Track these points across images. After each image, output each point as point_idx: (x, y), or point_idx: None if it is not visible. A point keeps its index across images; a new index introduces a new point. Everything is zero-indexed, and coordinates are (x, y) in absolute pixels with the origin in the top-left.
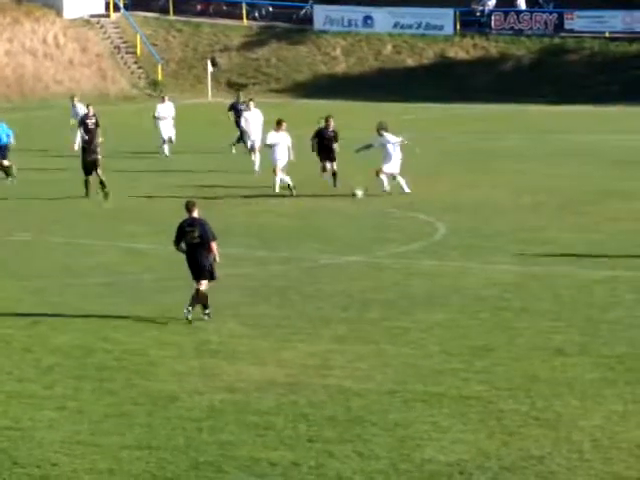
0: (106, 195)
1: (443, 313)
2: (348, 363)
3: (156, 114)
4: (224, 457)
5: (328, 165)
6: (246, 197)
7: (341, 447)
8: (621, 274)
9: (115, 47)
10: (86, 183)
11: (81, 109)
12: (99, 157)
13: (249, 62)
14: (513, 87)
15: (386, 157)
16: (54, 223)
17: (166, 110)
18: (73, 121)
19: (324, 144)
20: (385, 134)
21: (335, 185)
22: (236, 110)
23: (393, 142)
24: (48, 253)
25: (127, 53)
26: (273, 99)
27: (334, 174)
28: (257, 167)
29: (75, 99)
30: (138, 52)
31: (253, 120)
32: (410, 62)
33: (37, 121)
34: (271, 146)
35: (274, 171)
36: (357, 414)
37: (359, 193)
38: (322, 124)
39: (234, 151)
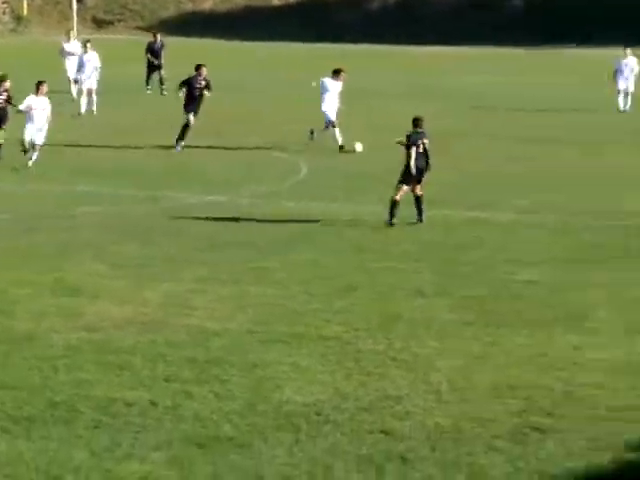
0: None
1: (306, 253)
2: (209, 303)
3: (61, 52)
4: (79, 397)
5: (192, 117)
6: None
7: (199, 387)
8: (482, 215)
9: None
10: None
11: None
12: None
13: None
14: (380, 27)
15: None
16: None
17: (72, 48)
18: None
19: (193, 94)
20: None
21: (178, 146)
22: (152, 51)
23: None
24: None
25: None
26: (139, 36)
27: (187, 127)
28: (83, 109)
29: None
30: None
31: (89, 63)
32: (276, 0)
33: None
34: (24, 112)
35: (23, 144)
36: (216, 354)
37: (358, 147)
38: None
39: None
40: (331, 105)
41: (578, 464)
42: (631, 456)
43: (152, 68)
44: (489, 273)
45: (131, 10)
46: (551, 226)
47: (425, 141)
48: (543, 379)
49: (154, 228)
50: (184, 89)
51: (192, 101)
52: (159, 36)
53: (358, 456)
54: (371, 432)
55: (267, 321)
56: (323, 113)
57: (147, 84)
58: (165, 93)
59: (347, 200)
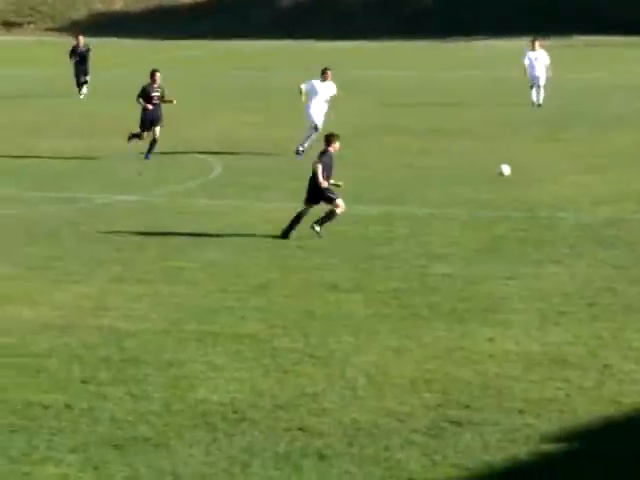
0: None
1: (219, 251)
2: (123, 303)
3: None
4: None
5: (146, 134)
6: None
7: (114, 388)
8: (395, 210)
9: None
10: None
11: None
12: None
13: (24, 0)
14: (293, 23)
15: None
16: None
17: None
18: None
19: (151, 103)
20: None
21: (147, 156)
22: (76, 54)
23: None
24: None
25: None
26: (50, 37)
27: (154, 141)
28: None
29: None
30: None
31: None
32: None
33: None
34: None
35: None
36: (131, 355)
37: (505, 170)
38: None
39: (82, 96)
40: (318, 108)
41: (495, 457)
42: (547, 448)
43: (79, 72)
44: (404, 267)
45: (41, 12)
46: (463, 219)
47: (318, 166)
48: (460, 372)
49: (65, 229)
50: (141, 100)
51: (149, 112)
52: (82, 38)
53: (275, 453)
54: (288, 429)
55: (182, 320)
56: (308, 115)
57: (79, 90)
58: (82, 97)
59: (260, 198)
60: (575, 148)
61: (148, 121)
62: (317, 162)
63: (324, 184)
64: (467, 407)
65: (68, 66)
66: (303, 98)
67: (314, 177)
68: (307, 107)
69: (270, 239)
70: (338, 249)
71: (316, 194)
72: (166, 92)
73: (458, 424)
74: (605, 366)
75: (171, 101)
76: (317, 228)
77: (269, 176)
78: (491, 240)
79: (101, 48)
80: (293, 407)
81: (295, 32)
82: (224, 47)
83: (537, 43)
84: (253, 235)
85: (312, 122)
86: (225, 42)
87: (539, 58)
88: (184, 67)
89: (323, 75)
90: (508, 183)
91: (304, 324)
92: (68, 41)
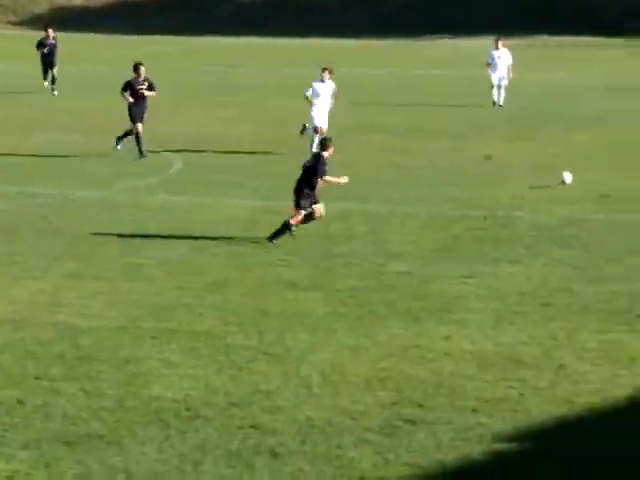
0: None
1: (178, 248)
2: (79, 300)
3: None
4: None
5: (140, 126)
6: None
7: (67, 385)
8: (355, 207)
9: None
10: None
11: None
12: None
13: None
14: (258, 18)
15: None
16: None
17: None
18: None
19: (136, 98)
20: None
21: (143, 154)
22: (44, 46)
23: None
24: None
25: None
26: (11, 31)
27: (128, 133)
28: None
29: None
30: None
31: None
32: None
33: None
34: None
35: None
36: (86, 351)
37: (567, 178)
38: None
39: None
40: (320, 110)
41: (447, 455)
42: (500, 447)
43: (46, 65)
44: (362, 265)
45: (2, 5)
46: (422, 218)
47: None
48: (414, 370)
49: (26, 225)
50: (127, 94)
51: (136, 106)
52: (51, 30)
53: (228, 451)
54: (241, 427)
55: (138, 317)
56: (311, 118)
57: (45, 81)
58: (55, 93)
59: (221, 195)
60: (543, 148)
61: (138, 116)
62: (321, 173)
63: (337, 180)
64: (421, 406)
65: (36, 60)
66: (311, 104)
67: (303, 179)
68: (312, 110)
69: (230, 237)
70: (298, 247)
71: (298, 192)
72: (154, 83)
73: (411, 423)
74: (559, 366)
75: (151, 92)
76: (274, 242)
77: (233, 174)
78: (448, 239)
79: (66, 43)
80: (247, 405)
81: (262, 27)
82: (191, 43)
83: (500, 42)
84: (213, 232)
85: (313, 124)
86: (192, 38)
87: (502, 57)
88: (153, 62)
89: (321, 75)
90: (471, 182)
91: (260, 322)
92: (30, 35)
